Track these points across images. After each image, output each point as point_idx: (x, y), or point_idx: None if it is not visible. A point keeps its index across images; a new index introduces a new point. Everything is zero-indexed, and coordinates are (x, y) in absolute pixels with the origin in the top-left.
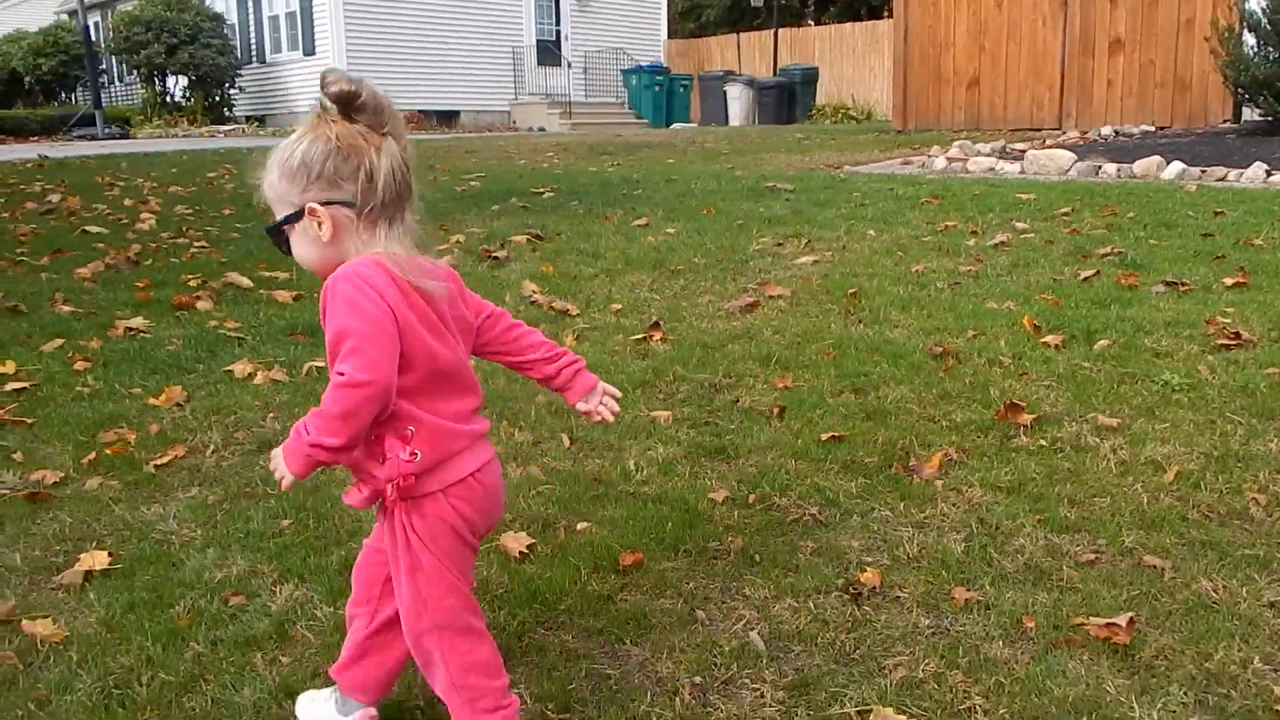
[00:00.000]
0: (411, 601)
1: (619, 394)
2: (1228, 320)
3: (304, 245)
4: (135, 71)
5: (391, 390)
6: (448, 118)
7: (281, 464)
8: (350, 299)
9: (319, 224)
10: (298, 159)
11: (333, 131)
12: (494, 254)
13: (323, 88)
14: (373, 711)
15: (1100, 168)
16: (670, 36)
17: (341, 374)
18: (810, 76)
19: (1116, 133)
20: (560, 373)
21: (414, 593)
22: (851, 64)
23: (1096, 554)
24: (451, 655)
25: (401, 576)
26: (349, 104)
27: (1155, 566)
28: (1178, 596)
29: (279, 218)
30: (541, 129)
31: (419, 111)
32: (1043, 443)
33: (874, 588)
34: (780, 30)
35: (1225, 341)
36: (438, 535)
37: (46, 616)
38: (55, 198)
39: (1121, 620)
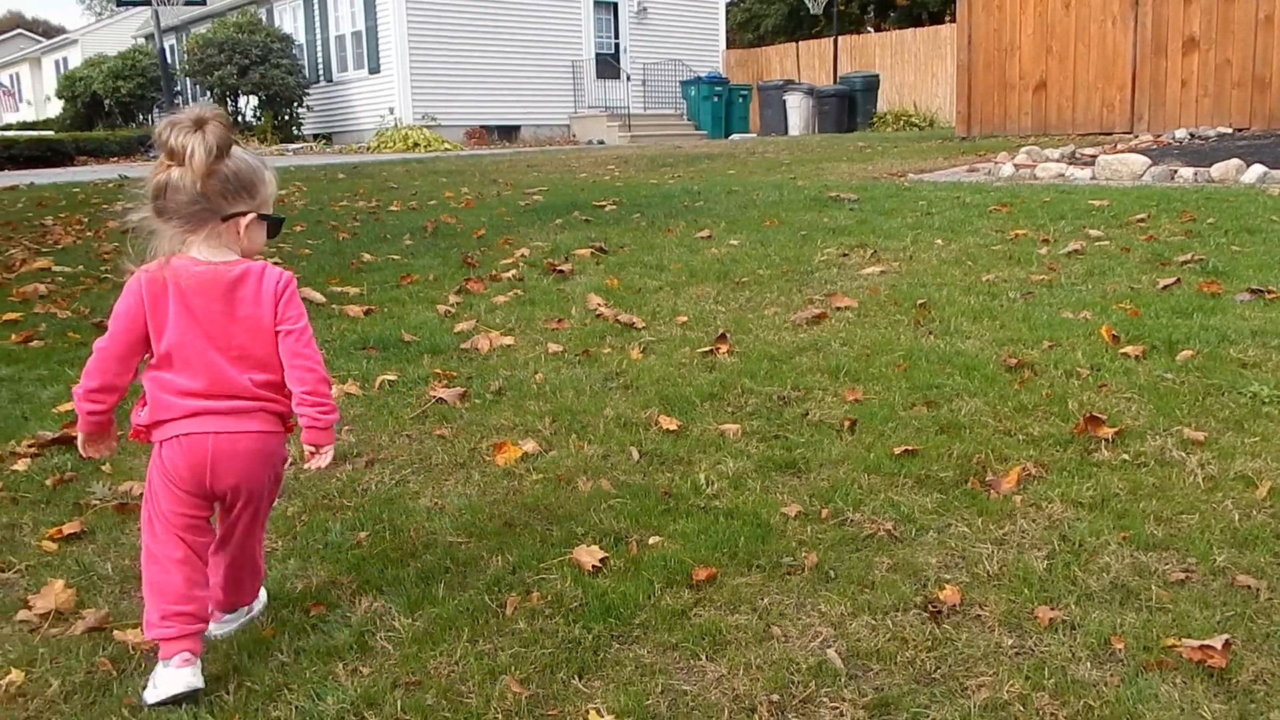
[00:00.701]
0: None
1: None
2: None
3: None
4: (209, 92)
5: (109, 355)
6: (508, 132)
7: None
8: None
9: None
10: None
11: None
12: (559, 268)
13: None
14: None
15: (1176, 172)
16: (728, 47)
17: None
18: (871, 84)
19: (1192, 135)
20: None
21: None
22: (913, 70)
23: (1187, 573)
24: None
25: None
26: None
27: (1250, 586)
28: (1275, 618)
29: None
30: (601, 141)
31: (481, 126)
32: (1125, 457)
33: (954, 606)
34: (840, 38)
35: None
36: (152, 475)
37: (136, 625)
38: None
39: (1217, 642)
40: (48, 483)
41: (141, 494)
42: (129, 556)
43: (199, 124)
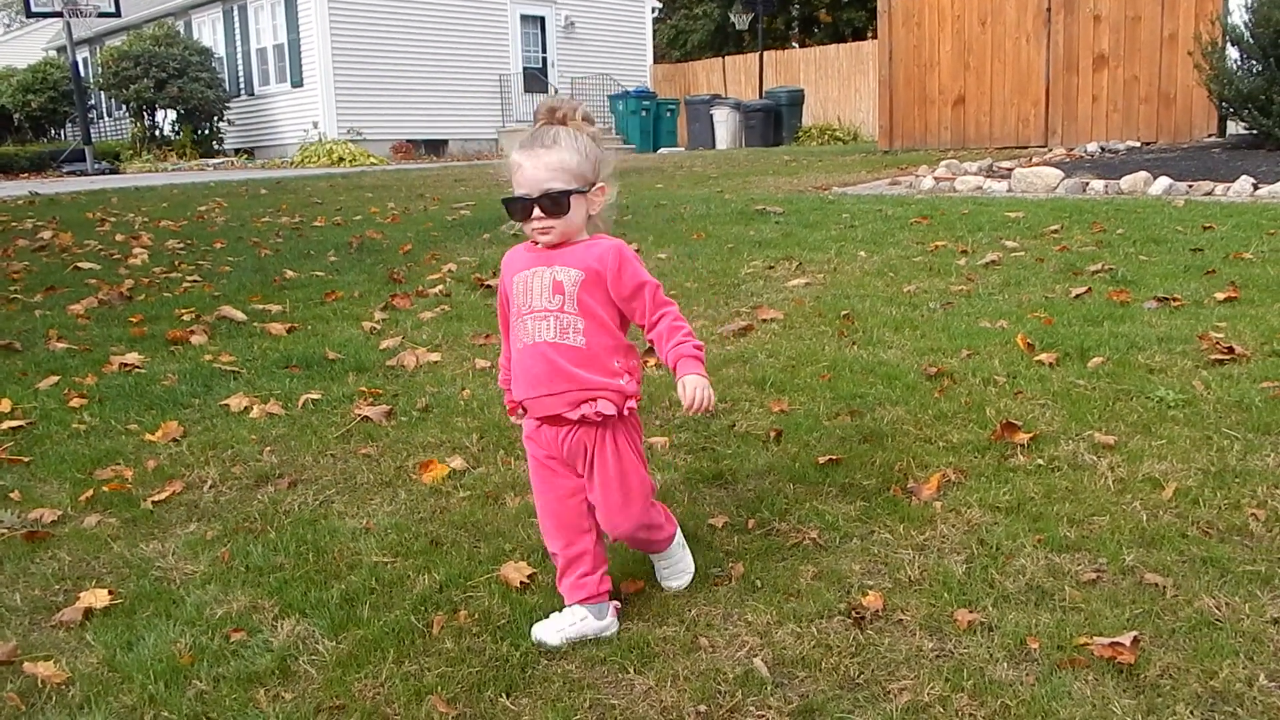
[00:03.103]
0: (624, 500)
1: None
2: (1220, 335)
3: (579, 212)
4: (124, 106)
5: None
6: (436, 146)
7: (700, 382)
8: (638, 258)
9: (595, 200)
10: (597, 152)
11: (599, 141)
12: (486, 283)
13: (576, 109)
14: (617, 603)
15: (1088, 184)
16: (656, 62)
17: (672, 302)
18: (796, 98)
19: (1102, 149)
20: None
21: (627, 491)
22: (837, 85)
23: (1098, 573)
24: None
25: (614, 483)
26: (590, 122)
27: (1157, 584)
28: (1180, 614)
29: (572, 188)
30: None
31: (407, 141)
32: (1040, 462)
33: (876, 611)
34: (765, 53)
35: (1219, 356)
36: (636, 442)
37: (48, 657)
38: (47, 234)
39: (1126, 639)
40: None
41: (51, 521)
42: (39, 586)
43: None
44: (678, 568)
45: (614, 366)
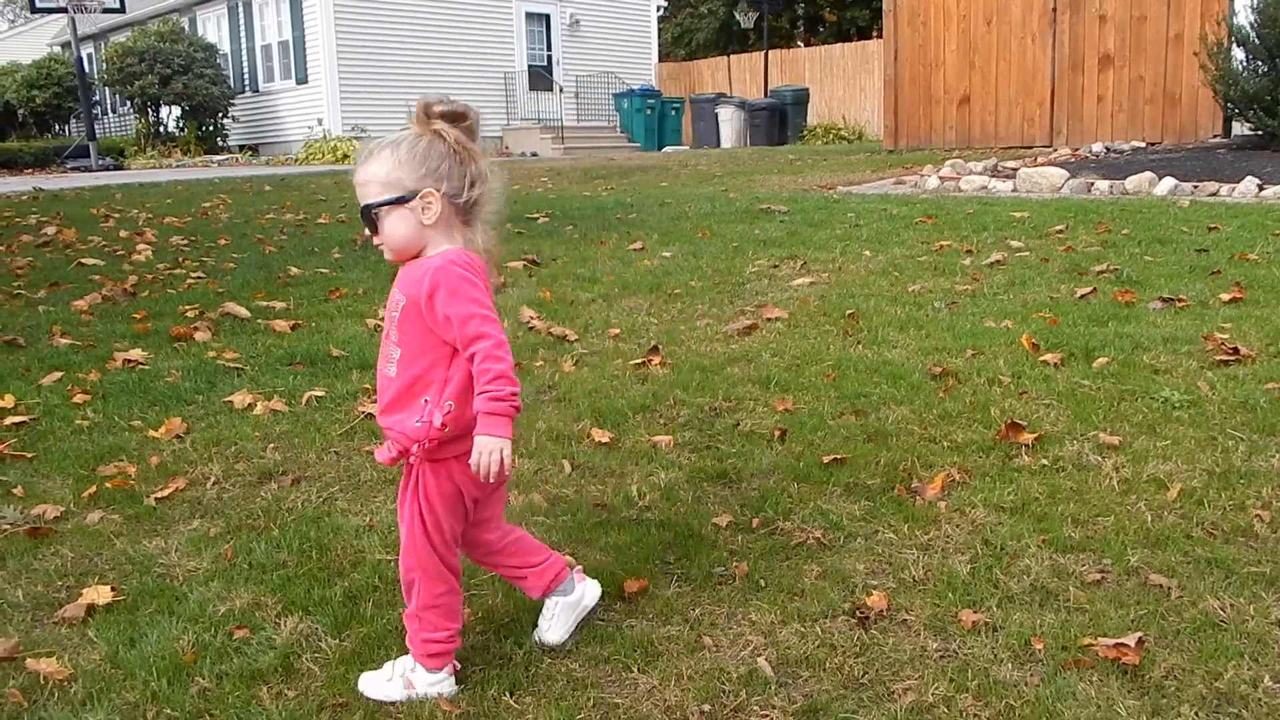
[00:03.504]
0: (406, 545)
1: None
2: (1226, 336)
3: (402, 225)
4: (129, 102)
5: None
6: None
7: (494, 444)
8: (466, 280)
9: (426, 208)
10: (419, 151)
11: (452, 137)
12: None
13: (429, 106)
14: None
15: (1093, 185)
16: (661, 60)
17: (490, 335)
18: (801, 97)
19: (1107, 149)
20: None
21: (409, 536)
22: (842, 84)
23: (1102, 574)
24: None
25: (402, 524)
26: (457, 121)
27: (1161, 585)
28: (1185, 615)
29: (382, 199)
30: (534, 154)
31: None
32: (1045, 462)
33: (881, 611)
34: (770, 52)
35: (1224, 357)
36: (446, 493)
37: (50, 654)
38: (51, 230)
39: (1130, 640)
40: None
41: (54, 517)
42: (41, 583)
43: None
44: (549, 618)
45: (420, 404)
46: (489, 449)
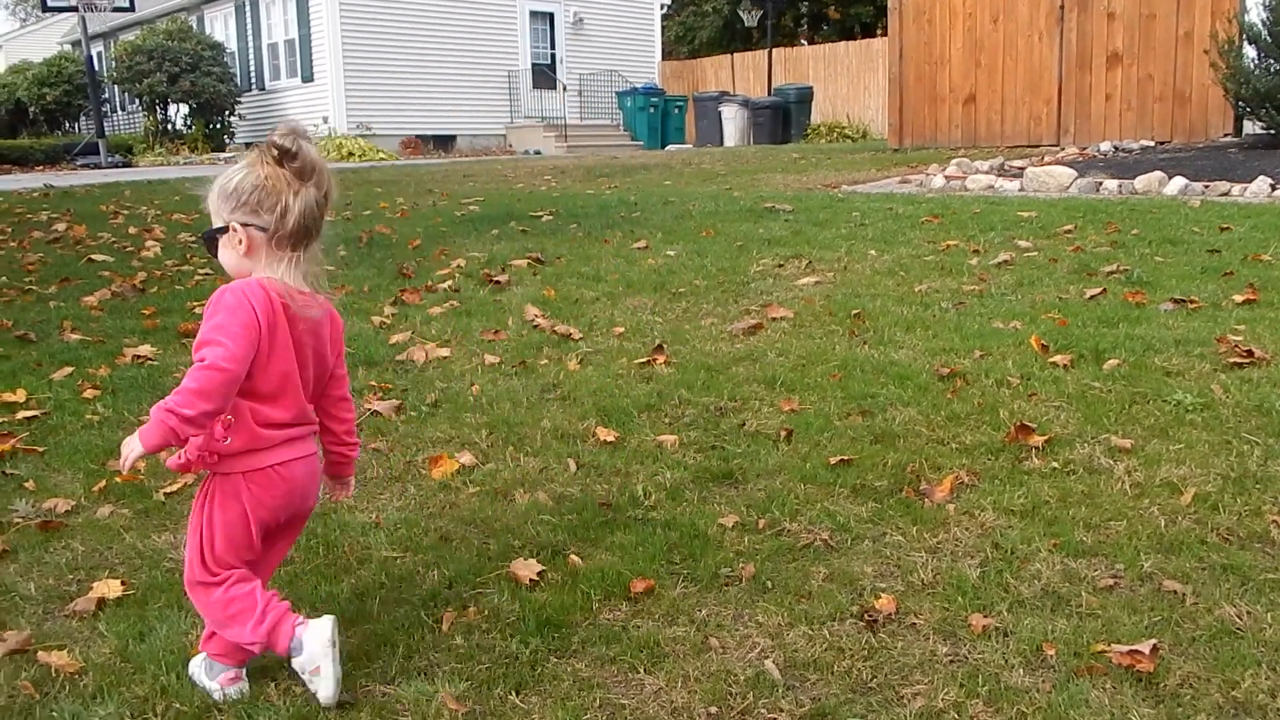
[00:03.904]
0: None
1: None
2: (1239, 338)
3: (226, 254)
4: (137, 100)
5: (238, 382)
6: (444, 142)
7: (132, 442)
8: (231, 306)
9: (239, 240)
10: (231, 185)
11: (263, 171)
12: (495, 278)
13: (272, 136)
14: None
15: (1101, 184)
16: (664, 59)
17: (203, 359)
18: (805, 96)
19: (1116, 148)
20: (337, 453)
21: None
22: (846, 83)
23: (1115, 579)
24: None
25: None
26: (284, 156)
27: (1176, 592)
28: (1200, 623)
29: (209, 229)
30: (538, 152)
31: (416, 136)
32: (1055, 465)
33: (889, 614)
34: (774, 50)
35: (1237, 360)
36: (228, 508)
37: (61, 646)
38: (61, 227)
39: (1144, 647)
40: None
41: (65, 511)
42: (53, 576)
43: (311, 138)
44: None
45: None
46: (124, 442)
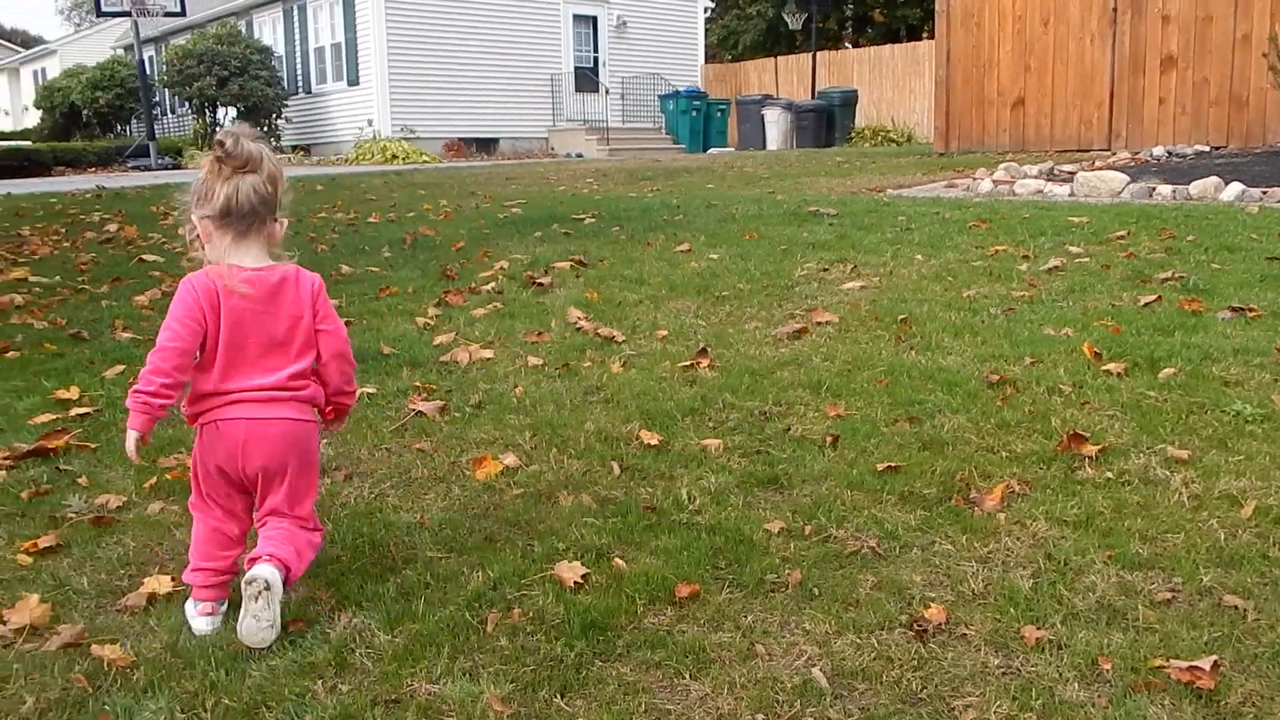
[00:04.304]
0: None
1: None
2: None
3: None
4: (187, 103)
5: (186, 355)
6: (487, 145)
7: (127, 433)
8: (179, 294)
9: (194, 232)
10: (191, 187)
11: (204, 169)
12: (538, 280)
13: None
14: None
15: (1154, 189)
16: (707, 62)
17: (157, 344)
18: (849, 99)
19: (1169, 153)
20: (329, 409)
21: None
22: (891, 86)
23: (1173, 593)
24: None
25: None
26: (222, 153)
27: (1237, 607)
28: (1263, 639)
29: None
30: (579, 155)
31: (459, 139)
32: (1109, 475)
33: (939, 624)
34: (818, 53)
35: None
36: (193, 455)
37: (114, 640)
38: (113, 227)
39: (1205, 663)
40: (23, 495)
41: (117, 506)
42: (105, 570)
43: (254, 136)
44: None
45: None
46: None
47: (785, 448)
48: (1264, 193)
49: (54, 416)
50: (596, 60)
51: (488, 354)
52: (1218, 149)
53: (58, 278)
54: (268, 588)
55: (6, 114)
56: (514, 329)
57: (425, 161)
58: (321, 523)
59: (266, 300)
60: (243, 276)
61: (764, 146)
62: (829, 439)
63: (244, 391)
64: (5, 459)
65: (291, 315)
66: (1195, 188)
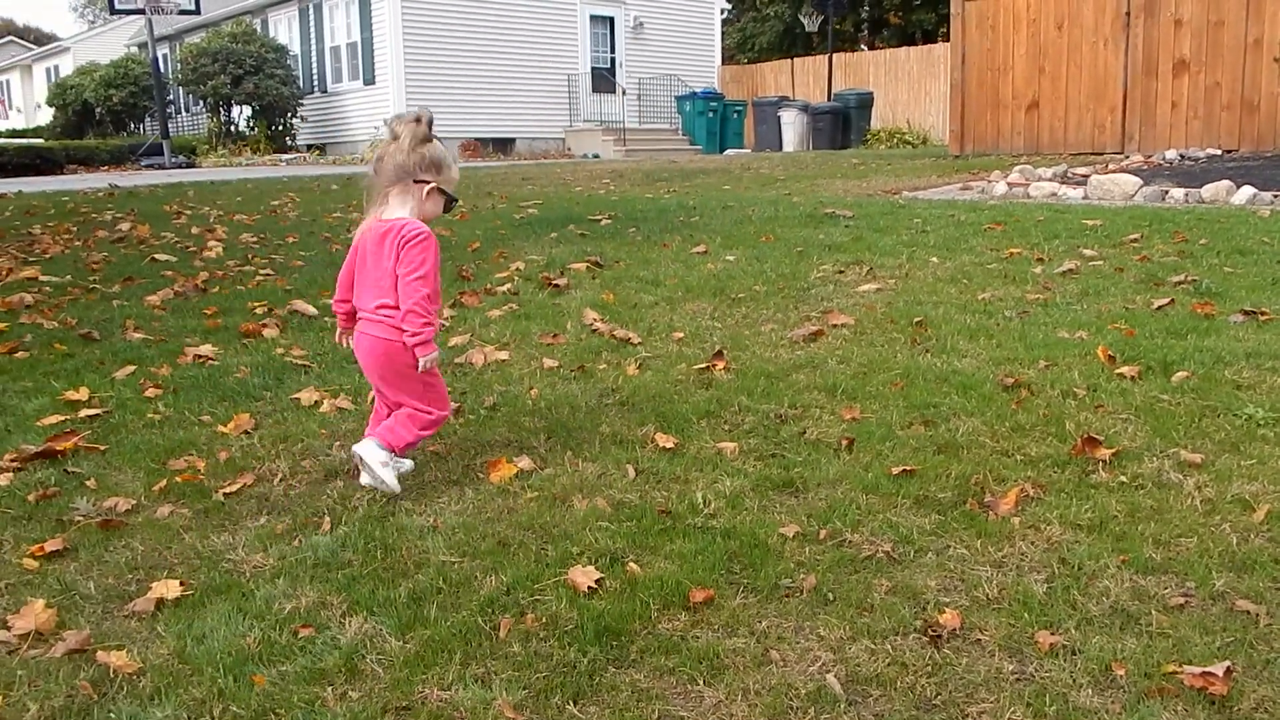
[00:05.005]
0: None
1: None
2: None
3: None
4: (202, 102)
5: (342, 278)
6: (503, 145)
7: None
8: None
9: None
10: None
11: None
12: (554, 281)
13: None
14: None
15: (1167, 193)
16: (724, 64)
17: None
18: (865, 101)
19: (1182, 156)
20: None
21: None
22: (906, 88)
23: (1186, 597)
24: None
25: None
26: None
27: (1249, 612)
28: (1275, 644)
29: None
30: (596, 155)
31: (475, 139)
32: (1123, 479)
33: (953, 630)
34: (834, 55)
35: None
36: None
37: (120, 646)
38: (125, 226)
39: (1218, 669)
40: (30, 498)
41: (126, 510)
42: (112, 575)
43: (416, 120)
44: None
45: None
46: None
47: (800, 451)
48: (1275, 196)
49: (63, 418)
50: (613, 61)
51: (503, 356)
52: (1229, 153)
53: (68, 277)
54: (361, 459)
55: (19, 111)
56: (529, 330)
57: None
58: (447, 403)
59: (379, 242)
60: (365, 224)
61: (780, 148)
62: (844, 442)
63: (363, 311)
64: (12, 461)
65: (379, 255)
66: (1207, 191)
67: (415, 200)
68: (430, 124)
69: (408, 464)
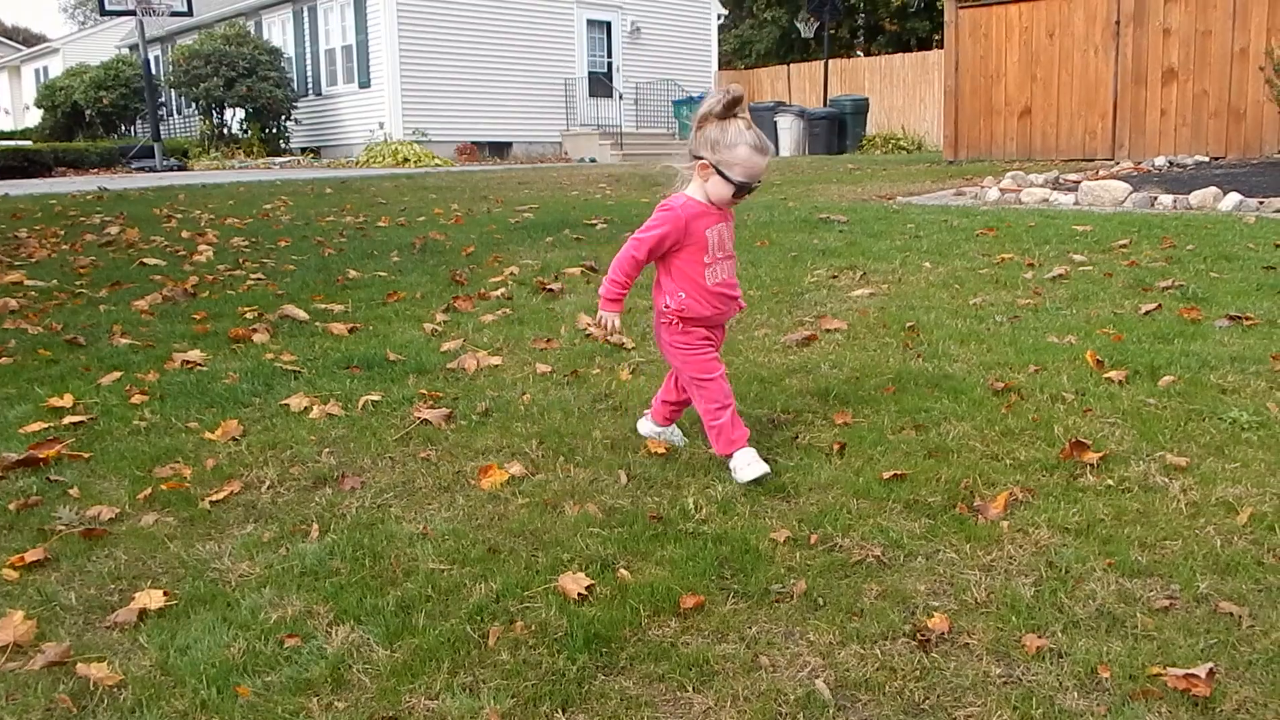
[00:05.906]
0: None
1: None
2: None
3: None
4: (194, 104)
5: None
6: (500, 149)
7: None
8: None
9: None
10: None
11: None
12: (548, 286)
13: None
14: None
15: (1156, 199)
16: (720, 70)
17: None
18: (861, 107)
19: (1170, 163)
20: None
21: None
22: (901, 94)
23: (1171, 600)
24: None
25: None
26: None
27: (1232, 614)
28: (1257, 646)
29: None
30: (593, 159)
31: (472, 143)
32: (1110, 482)
33: (942, 634)
34: (830, 61)
35: None
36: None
37: (101, 659)
38: (114, 230)
39: (1201, 671)
40: (10, 507)
41: (109, 519)
42: (94, 585)
43: (719, 94)
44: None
45: None
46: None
47: (792, 455)
48: (1261, 203)
49: (46, 425)
50: (610, 65)
51: (496, 361)
52: (1217, 160)
53: (55, 281)
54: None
55: (7, 113)
56: (523, 335)
57: (437, 165)
58: (714, 366)
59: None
60: None
61: (777, 153)
62: (836, 447)
63: None
64: None
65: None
66: (1195, 197)
67: (698, 178)
68: (728, 103)
69: (678, 438)
